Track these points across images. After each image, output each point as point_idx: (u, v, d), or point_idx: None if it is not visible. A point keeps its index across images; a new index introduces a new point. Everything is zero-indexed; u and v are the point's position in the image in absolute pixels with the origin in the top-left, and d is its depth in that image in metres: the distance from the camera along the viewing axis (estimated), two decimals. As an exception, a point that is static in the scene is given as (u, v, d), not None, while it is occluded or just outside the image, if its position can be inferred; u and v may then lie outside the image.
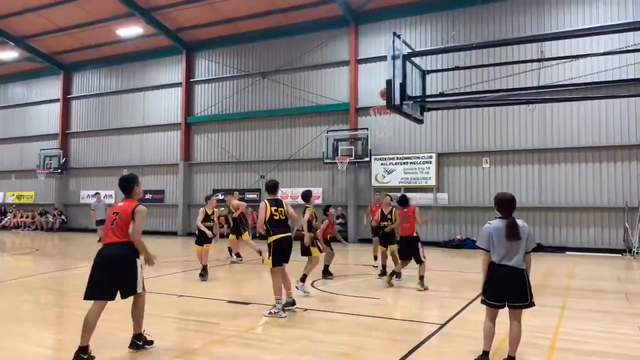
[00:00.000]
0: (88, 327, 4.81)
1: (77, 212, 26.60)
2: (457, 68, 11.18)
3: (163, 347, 5.44)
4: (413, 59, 10.43)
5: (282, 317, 6.73)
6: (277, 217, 6.99)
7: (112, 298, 4.95)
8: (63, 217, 26.24)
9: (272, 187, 7.21)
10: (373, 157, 19.06)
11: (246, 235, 12.79)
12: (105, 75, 26.28)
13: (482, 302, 4.81)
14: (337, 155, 19.39)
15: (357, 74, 19.89)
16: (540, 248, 16.52)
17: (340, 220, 19.40)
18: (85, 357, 4.73)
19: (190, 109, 23.66)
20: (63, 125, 27.08)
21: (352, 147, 19.38)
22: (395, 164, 18.82)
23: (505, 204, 4.73)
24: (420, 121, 11.01)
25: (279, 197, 7.29)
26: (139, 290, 5.08)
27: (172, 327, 6.59)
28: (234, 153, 22.53)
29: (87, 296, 4.96)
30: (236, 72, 22.58)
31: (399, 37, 10.02)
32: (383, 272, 10.48)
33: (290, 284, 7.29)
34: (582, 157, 16.50)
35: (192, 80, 23.66)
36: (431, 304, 8.16)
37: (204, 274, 9.97)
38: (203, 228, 10.23)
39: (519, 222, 4.70)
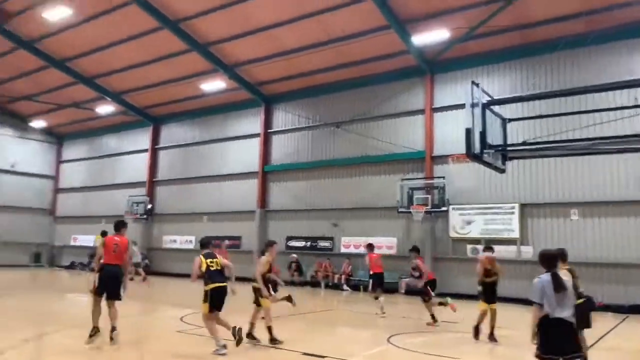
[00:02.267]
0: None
1: (160, 256, 27.78)
2: (541, 116, 10.70)
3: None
4: (493, 107, 10.14)
5: (223, 354, 7.30)
6: (214, 268, 7.78)
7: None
8: (147, 260, 27.44)
9: (206, 243, 8.25)
10: (451, 207, 18.46)
11: None
12: (189, 127, 27.87)
13: (537, 356, 4.92)
14: (412, 204, 19.00)
15: (433, 122, 19.68)
16: (640, 310, 14.99)
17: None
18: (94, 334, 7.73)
19: (267, 158, 24.39)
20: (150, 173, 28.80)
21: (428, 196, 18.93)
22: (475, 214, 18.10)
23: (544, 258, 5.12)
24: (502, 170, 10.56)
25: (212, 251, 8.12)
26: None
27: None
28: (308, 201, 22.76)
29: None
30: (311, 122, 23.13)
31: (477, 85, 9.82)
32: (477, 333, 9.39)
33: (228, 324, 7.80)
34: (685, 210, 15.03)
35: (269, 131, 24.51)
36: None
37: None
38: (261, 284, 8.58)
39: (562, 275, 5.04)
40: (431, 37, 17.77)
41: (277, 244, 9.25)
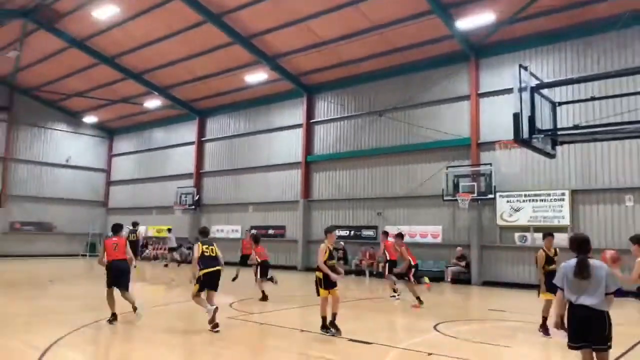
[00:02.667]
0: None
1: (206, 246, 28.48)
2: (593, 99, 10.30)
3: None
4: (541, 90, 9.85)
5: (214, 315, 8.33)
6: (208, 254, 8.82)
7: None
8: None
9: (203, 232, 9.59)
10: (498, 194, 18.07)
11: None
12: (234, 119, 28.36)
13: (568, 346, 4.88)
14: (458, 192, 18.70)
15: (479, 108, 19.25)
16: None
17: (463, 262, 18.54)
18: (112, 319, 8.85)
19: (310, 149, 24.54)
20: (197, 165, 29.55)
21: (474, 183, 18.58)
22: (523, 201, 17.65)
23: (575, 243, 4.97)
24: (552, 156, 10.28)
25: (210, 239, 9.27)
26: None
27: (296, 363, 6.68)
28: (351, 190, 22.79)
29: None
30: (354, 111, 23.07)
31: (525, 68, 9.57)
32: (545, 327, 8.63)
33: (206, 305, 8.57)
34: None
35: (312, 121, 24.61)
36: (567, 354, 7.35)
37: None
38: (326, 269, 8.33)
39: (594, 262, 4.80)
40: (476, 20, 17.30)
41: (336, 230, 9.35)
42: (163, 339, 7.95)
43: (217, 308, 8.45)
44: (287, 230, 24.87)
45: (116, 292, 9.07)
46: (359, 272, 21.21)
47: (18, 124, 31.33)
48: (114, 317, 8.85)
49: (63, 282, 17.19)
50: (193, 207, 28.64)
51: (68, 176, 33.52)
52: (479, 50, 19.24)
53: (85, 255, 32.07)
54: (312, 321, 9.52)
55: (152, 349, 7.29)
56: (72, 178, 33.69)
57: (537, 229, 17.13)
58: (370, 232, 21.84)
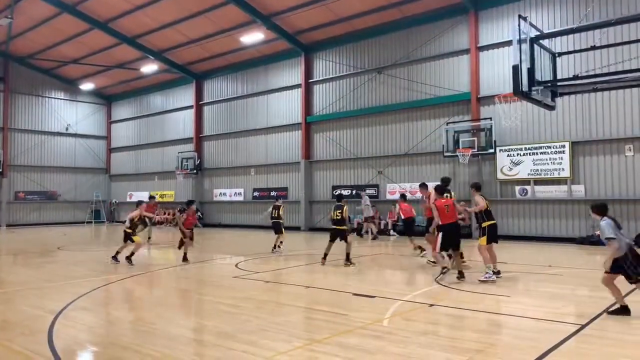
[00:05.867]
0: None
1: (211, 209, 28.84)
2: (594, 48, 10.13)
3: (294, 336, 5.71)
4: (542, 41, 9.73)
5: None
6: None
7: None
8: (199, 213, 28.50)
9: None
10: (498, 149, 18.10)
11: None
12: (231, 81, 28.09)
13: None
14: (458, 147, 18.71)
15: (478, 62, 19.01)
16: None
17: (461, 215, 18.67)
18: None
19: (309, 109, 24.40)
20: (197, 129, 29.47)
21: (475, 138, 18.57)
22: (523, 155, 17.68)
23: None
24: (551, 107, 10.25)
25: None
26: None
27: (302, 317, 6.90)
28: (352, 150, 22.81)
29: None
30: (352, 69, 22.82)
31: (525, 19, 9.42)
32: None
33: None
34: None
35: (310, 81, 24.37)
36: (568, 303, 7.58)
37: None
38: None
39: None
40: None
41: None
42: (172, 300, 8.17)
43: None
44: (290, 192, 25.05)
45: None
46: (360, 230, 21.45)
47: (15, 93, 31.09)
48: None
49: (70, 248, 17.48)
50: (195, 171, 28.76)
51: (69, 144, 33.58)
52: (478, 2, 18.85)
53: (91, 222, 32.49)
54: (316, 278, 9.77)
55: (163, 310, 7.50)
56: (72, 146, 33.75)
57: (537, 182, 17.29)
58: (371, 191, 21.97)
